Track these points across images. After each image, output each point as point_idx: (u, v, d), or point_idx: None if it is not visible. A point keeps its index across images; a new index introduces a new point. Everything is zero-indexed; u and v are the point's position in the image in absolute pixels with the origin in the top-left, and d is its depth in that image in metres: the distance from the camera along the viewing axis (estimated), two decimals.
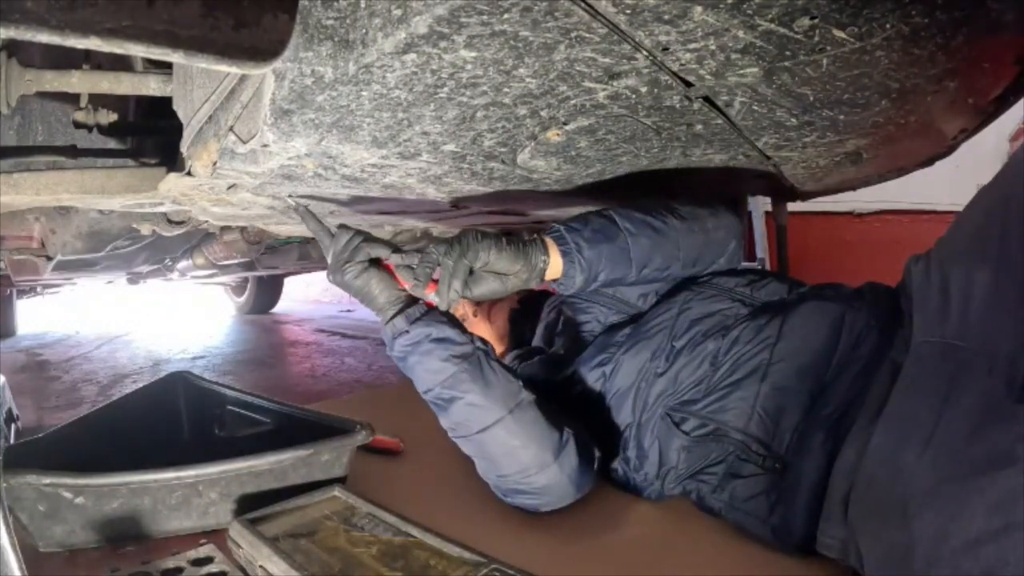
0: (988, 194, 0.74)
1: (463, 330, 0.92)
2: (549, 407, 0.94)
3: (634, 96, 0.65)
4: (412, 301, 0.89)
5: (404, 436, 1.24)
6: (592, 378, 1.06)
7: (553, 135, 0.76)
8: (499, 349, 1.38)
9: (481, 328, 1.40)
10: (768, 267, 2.13)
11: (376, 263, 0.88)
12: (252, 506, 0.92)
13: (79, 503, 0.88)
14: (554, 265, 0.87)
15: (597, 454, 0.97)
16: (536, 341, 1.28)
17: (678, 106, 0.69)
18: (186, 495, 0.92)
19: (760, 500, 0.86)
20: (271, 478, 0.96)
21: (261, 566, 0.77)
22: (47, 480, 0.85)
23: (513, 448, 0.89)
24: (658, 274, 0.96)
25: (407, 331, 0.88)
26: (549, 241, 0.87)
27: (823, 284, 1.00)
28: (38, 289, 3.45)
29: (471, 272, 0.82)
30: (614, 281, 0.93)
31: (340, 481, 1.00)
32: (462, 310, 1.44)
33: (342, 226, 0.90)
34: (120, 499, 0.90)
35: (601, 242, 0.89)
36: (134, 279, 2.69)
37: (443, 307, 0.83)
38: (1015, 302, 0.65)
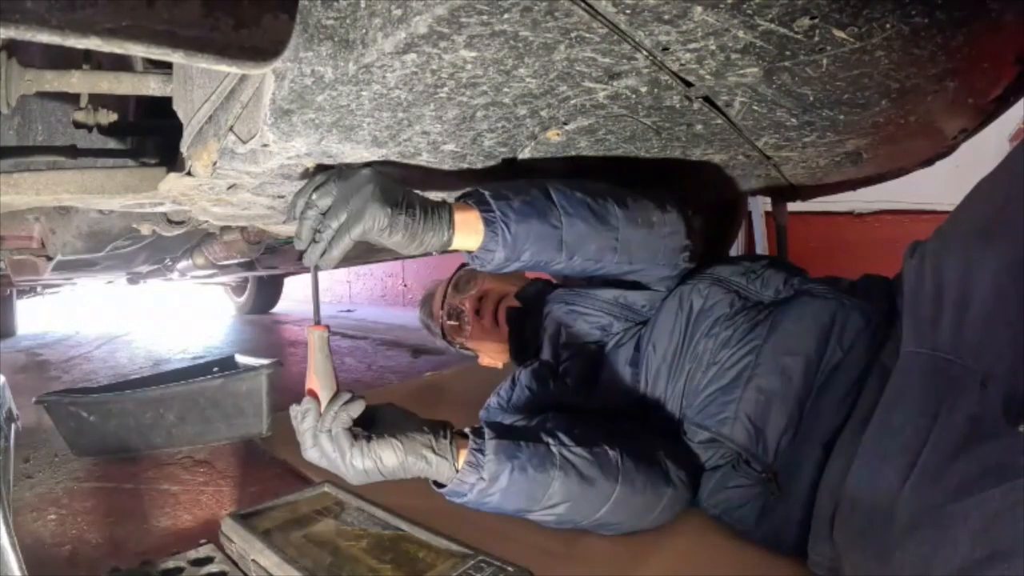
0: (991, 187, 0.68)
1: (522, 434, 0.80)
2: (640, 443, 0.89)
3: (634, 96, 0.65)
4: (438, 431, 0.74)
5: None
6: (625, 397, 1.02)
7: (553, 135, 0.76)
8: (502, 353, 1.32)
9: (485, 332, 1.30)
10: None
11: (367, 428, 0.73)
12: (205, 432, 1.32)
13: (93, 420, 1.26)
14: (469, 235, 0.75)
15: (683, 448, 0.93)
16: (544, 354, 1.17)
17: (678, 106, 0.69)
18: (154, 416, 1.28)
19: (748, 510, 0.86)
20: (209, 405, 1.32)
21: (254, 560, 0.78)
22: (68, 400, 1.27)
23: (633, 505, 0.84)
24: (589, 265, 0.85)
25: (483, 479, 0.75)
26: (466, 209, 0.75)
27: (819, 278, 0.97)
28: (38, 289, 3.45)
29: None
30: (537, 265, 0.82)
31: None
32: (468, 303, 1.32)
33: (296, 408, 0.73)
34: (116, 418, 1.27)
35: (531, 216, 0.77)
36: (134, 279, 2.69)
37: (309, 264, 0.71)
38: (1017, 310, 0.58)
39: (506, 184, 0.80)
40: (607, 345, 1.06)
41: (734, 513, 0.88)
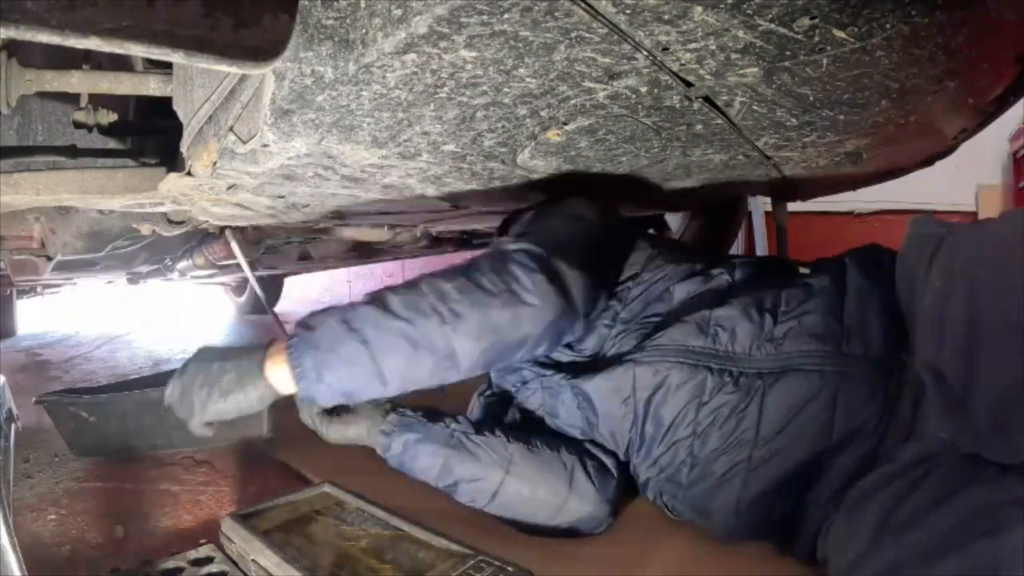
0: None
1: (437, 417, 0.96)
2: (545, 445, 0.93)
3: (634, 96, 0.65)
4: (386, 412, 0.96)
5: None
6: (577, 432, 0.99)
7: (553, 135, 0.76)
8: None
9: None
10: None
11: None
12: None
13: (92, 421, 1.25)
14: (286, 387, 0.77)
15: (611, 463, 0.94)
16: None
17: (678, 106, 0.69)
18: (154, 417, 1.25)
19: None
20: None
21: (253, 560, 0.78)
22: (68, 400, 1.27)
23: (527, 500, 0.91)
24: (434, 384, 0.80)
25: (390, 446, 0.94)
26: (281, 359, 0.76)
27: (807, 306, 0.84)
28: (38, 289, 3.45)
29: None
30: (378, 398, 0.88)
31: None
32: None
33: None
34: (116, 419, 1.26)
35: (339, 366, 0.74)
36: (134, 279, 2.68)
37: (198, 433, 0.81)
38: None
39: (315, 321, 0.77)
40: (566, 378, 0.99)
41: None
